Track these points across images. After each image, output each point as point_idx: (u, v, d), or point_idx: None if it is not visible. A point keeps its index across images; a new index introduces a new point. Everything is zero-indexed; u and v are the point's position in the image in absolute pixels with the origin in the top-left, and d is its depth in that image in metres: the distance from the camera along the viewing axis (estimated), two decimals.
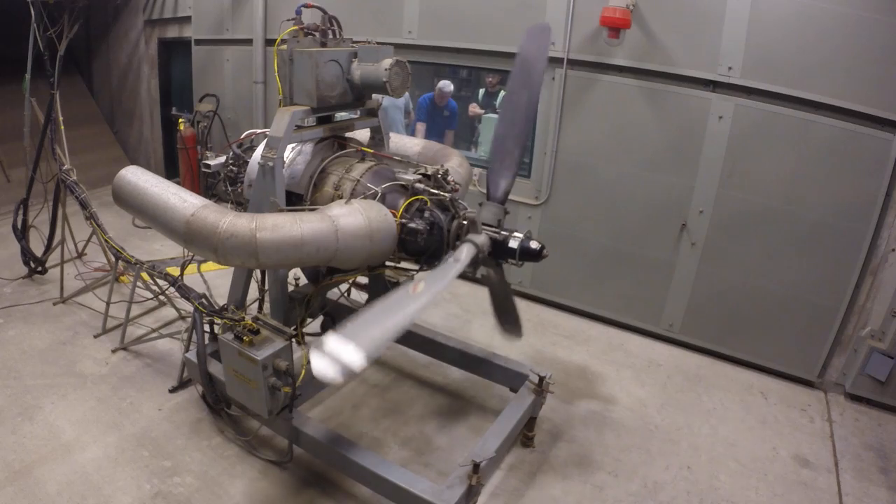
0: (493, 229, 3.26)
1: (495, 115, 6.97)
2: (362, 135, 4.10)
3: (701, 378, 5.06)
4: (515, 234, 3.22)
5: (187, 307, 4.65)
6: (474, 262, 3.15)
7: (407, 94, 6.56)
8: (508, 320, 3.77)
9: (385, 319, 2.48)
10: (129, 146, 9.88)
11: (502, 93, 7.19)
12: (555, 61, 5.44)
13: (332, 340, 2.29)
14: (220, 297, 4.20)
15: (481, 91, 7.41)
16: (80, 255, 6.19)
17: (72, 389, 4.38)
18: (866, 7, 4.20)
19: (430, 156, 4.14)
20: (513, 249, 3.17)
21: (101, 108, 9.98)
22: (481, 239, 3.15)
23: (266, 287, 4.13)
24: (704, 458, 4.10)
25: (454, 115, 7.11)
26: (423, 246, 3.29)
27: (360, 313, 2.52)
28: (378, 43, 3.60)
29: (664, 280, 5.43)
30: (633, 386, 4.88)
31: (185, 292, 4.20)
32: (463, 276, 3.09)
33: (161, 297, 5.40)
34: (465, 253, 3.05)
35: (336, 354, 2.24)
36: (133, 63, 9.33)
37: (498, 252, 3.23)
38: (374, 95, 3.84)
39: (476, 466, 3.11)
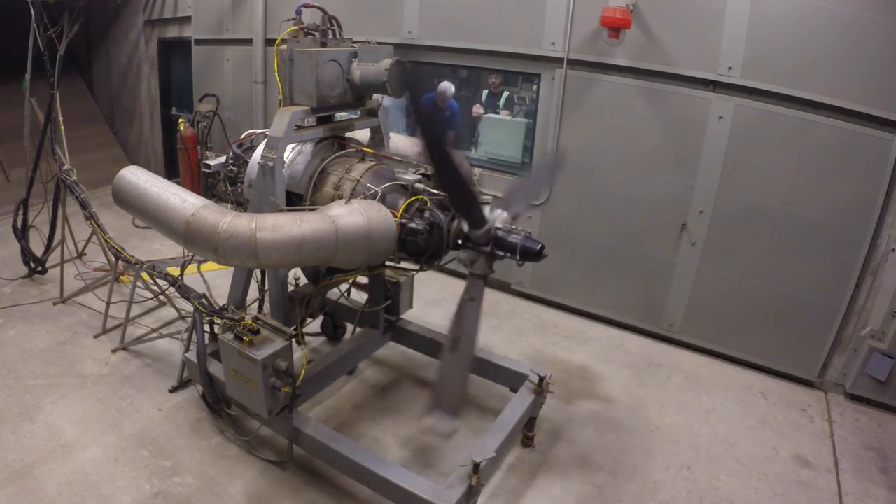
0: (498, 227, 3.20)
1: (496, 116, 6.96)
2: (362, 135, 4.10)
3: (701, 378, 5.06)
4: (515, 234, 3.21)
5: (187, 307, 4.65)
6: (474, 249, 3.19)
7: (408, 94, 6.59)
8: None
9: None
10: (129, 146, 9.88)
11: (506, 94, 7.20)
12: (555, 61, 5.44)
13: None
14: (220, 297, 4.20)
15: (484, 92, 7.41)
16: (80, 255, 6.18)
17: (72, 389, 4.38)
18: (866, 7, 4.20)
19: None
20: (513, 245, 3.15)
21: (101, 108, 9.98)
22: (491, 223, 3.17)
23: (266, 287, 4.13)
24: (704, 458, 4.10)
25: (455, 116, 7.10)
26: (423, 246, 3.28)
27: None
28: (378, 43, 3.60)
29: (664, 280, 5.43)
30: (633, 386, 4.88)
31: (185, 292, 4.20)
32: (462, 274, 3.09)
33: (161, 297, 5.40)
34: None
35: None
36: (133, 63, 9.33)
37: (498, 247, 3.21)
38: (374, 95, 3.84)
39: (476, 466, 3.11)
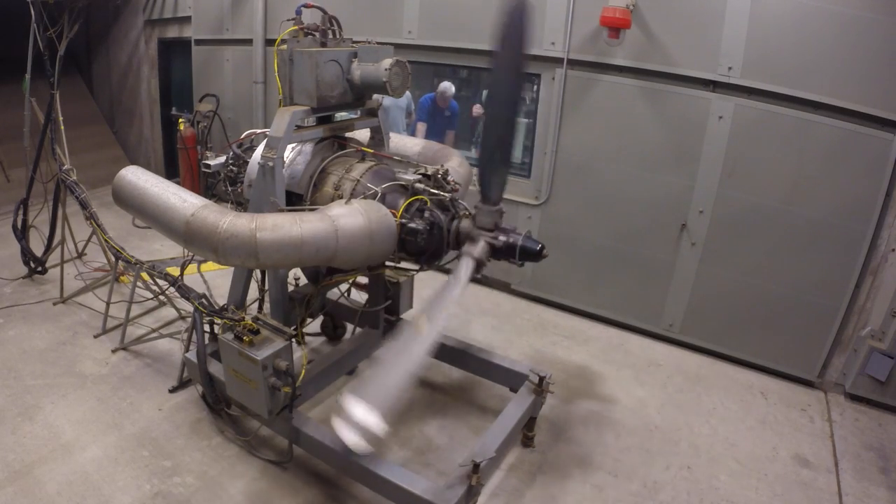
0: (491, 234, 3.22)
1: None
2: (362, 135, 4.10)
3: (701, 378, 5.06)
4: (514, 233, 3.22)
5: (187, 307, 4.65)
6: (476, 272, 3.17)
7: (409, 94, 6.59)
8: None
9: (397, 373, 2.76)
10: (129, 146, 9.88)
11: None
12: (555, 61, 5.44)
13: (354, 409, 2.61)
14: (220, 297, 4.20)
15: (484, 92, 7.41)
16: (80, 255, 6.18)
17: (72, 389, 4.38)
18: (866, 7, 4.20)
19: (430, 156, 4.14)
20: (513, 251, 3.16)
21: (101, 108, 9.98)
22: (479, 251, 3.15)
23: (266, 287, 4.13)
24: (704, 458, 4.10)
25: (455, 116, 7.10)
26: (423, 246, 3.29)
27: (374, 370, 2.81)
28: (378, 43, 3.60)
29: (664, 280, 5.43)
30: (633, 386, 4.88)
31: (185, 292, 4.20)
32: None
33: (161, 297, 5.40)
34: (464, 271, 3.07)
35: (359, 423, 2.59)
36: (133, 63, 9.33)
37: (498, 256, 3.23)
38: (374, 95, 3.84)
39: (476, 466, 3.11)
